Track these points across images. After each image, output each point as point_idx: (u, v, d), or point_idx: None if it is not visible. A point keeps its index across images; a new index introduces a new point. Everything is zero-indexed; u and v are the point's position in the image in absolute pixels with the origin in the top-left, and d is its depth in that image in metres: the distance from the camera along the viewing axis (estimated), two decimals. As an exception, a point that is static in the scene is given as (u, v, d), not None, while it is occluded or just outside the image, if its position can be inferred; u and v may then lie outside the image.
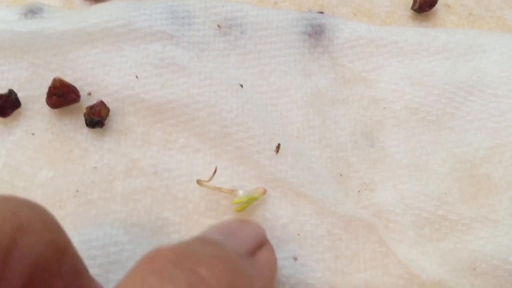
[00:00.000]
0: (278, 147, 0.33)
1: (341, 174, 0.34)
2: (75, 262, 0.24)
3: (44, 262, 0.21)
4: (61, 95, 0.33)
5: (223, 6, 0.37)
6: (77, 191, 0.32)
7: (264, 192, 0.32)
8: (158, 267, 0.20)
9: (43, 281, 0.21)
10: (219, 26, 0.36)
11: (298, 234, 0.32)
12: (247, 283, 0.22)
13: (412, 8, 0.40)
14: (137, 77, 0.34)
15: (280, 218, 0.32)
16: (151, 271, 0.20)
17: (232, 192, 0.32)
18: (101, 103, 0.33)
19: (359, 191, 0.33)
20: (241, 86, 0.35)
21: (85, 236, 0.30)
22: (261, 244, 0.27)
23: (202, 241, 0.24)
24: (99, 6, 0.36)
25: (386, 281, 0.31)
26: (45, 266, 0.21)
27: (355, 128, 0.35)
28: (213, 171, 0.32)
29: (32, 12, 0.36)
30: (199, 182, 0.32)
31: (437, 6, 0.41)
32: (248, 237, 0.26)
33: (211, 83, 0.34)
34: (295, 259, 0.31)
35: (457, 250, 0.32)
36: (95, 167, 0.33)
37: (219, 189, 0.32)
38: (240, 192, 0.32)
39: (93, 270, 0.28)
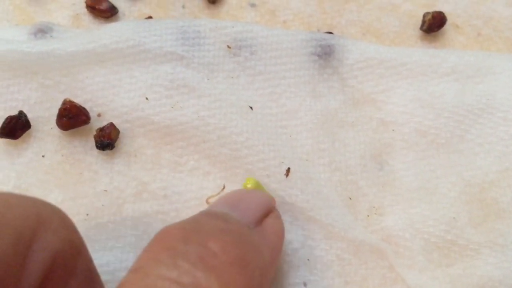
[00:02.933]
0: (288, 171, 0.33)
1: (350, 198, 0.34)
2: (89, 263, 0.25)
3: (61, 257, 0.22)
4: (72, 117, 0.33)
5: (233, 26, 0.37)
6: (87, 214, 0.32)
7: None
8: (169, 245, 0.21)
9: (60, 277, 0.22)
10: (229, 46, 0.36)
11: (308, 259, 0.32)
12: (255, 253, 0.23)
13: (421, 28, 0.40)
14: (147, 98, 0.34)
15: (290, 243, 0.32)
16: (163, 249, 0.21)
17: None
18: (111, 125, 0.33)
19: (368, 215, 0.33)
20: (251, 108, 0.35)
21: (95, 261, 0.29)
22: (268, 212, 0.27)
23: (209, 215, 0.25)
24: (108, 26, 0.36)
25: (396, 306, 0.31)
26: (62, 262, 0.22)
27: (365, 151, 0.35)
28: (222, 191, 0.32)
29: (42, 31, 0.36)
30: (208, 200, 0.32)
31: (446, 26, 0.41)
32: (254, 207, 0.27)
33: (221, 105, 0.34)
34: (305, 284, 0.31)
35: (466, 275, 0.32)
36: (105, 190, 0.33)
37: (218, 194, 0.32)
38: None
39: (104, 297, 0.28)
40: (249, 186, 0.31)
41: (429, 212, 0.33)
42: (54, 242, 0.22)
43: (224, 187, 0.33)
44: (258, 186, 0.32)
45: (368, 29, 0.41)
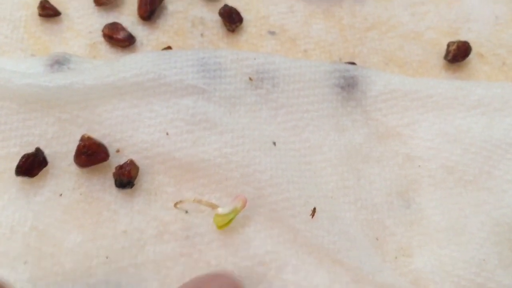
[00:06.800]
0: (314, 211, 0.32)
1: (377, 238, 0.33)
2: None
3: None
4: (90, 154, 0.32)
5: (254, 58, 0.36)
6: (107, 257, 0.31)
7: (245, 202, 0.31)
8: None
9: None
10: (250, 79, 0.36)
11: (335, 304, 0.31)
12: None
13: (445, 58, 0.39)
14: (167, 133, 0.33)
15: (316, 287, 0.31)
16: None
17: (212, 205, 0.31)
18: (131, 163, 0.32)
19: (396, 257, 0.32)
20: (274, 143, 0.34)
21: (116, 308, 0.29)
22: None
23: None
24: (128, 58, 0.35)
25: None
26: None
27: (391, 188, 0.34)
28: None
29: (58, 63, 0.35)
30: (176, 204, 0.32)
31: (470, 55, 0.40)
32: None
33: (244, 141, 0.33)
34: (333, 331, 0.30)
35: (497, 320, 0.31)
36: (125, 231, 0.32)
37: (200, 201, 0.31)
38: (220, 209, 0.31)
39: None
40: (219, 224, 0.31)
41: (458, 253, 0.32)
42: None
43: (200, 200, 0.32)
44: (227, 223, 0.31)
45: (391, 58, 0.40)
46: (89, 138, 0.32)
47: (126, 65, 0.34)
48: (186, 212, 0.32)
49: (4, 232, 0.31)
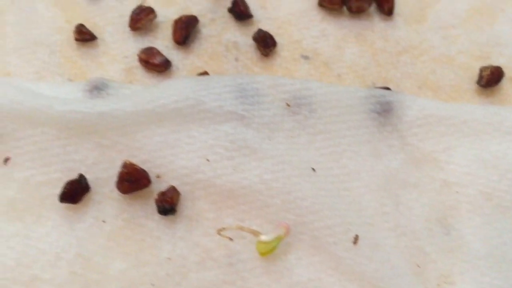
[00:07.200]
0: (357, 238, 0.32)
1: (418, 265, 0.33)
2: None
3: None
4: (133, 181, 0.32)
5: (292, 84, 0.36)
6: (152, 284, 0.31)
7: (288, 229, 0.31)
8: None
9: None
10: (288, 104, 0.36)
11: (379, 333, 0.31)
12: None
13: (478, 83, 0.40)
14: (207, 160, 0.33)
15: (359, 315, 0.31)
16: None
17: (254, 232, 0.31)
18: (173, 189, 0.32)
19: (438, 284, 0.32)
20: (313, 170, 0.34)
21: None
22: None
23: None
24: (166, 84, 0.35)
25: None
26: None
27: (429, 214, 0.34)
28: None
29: (97, 88, 0.36)
30: (219, 231, 0.32)
31: (502, 80, 0.40)
32: None
33: (284, 168, 0.33)
34: None
35: None
36: (169, 258, 0.32)
37: (242, 228, 0.31)
38: (263, 237, 0.31)
39: None
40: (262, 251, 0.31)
41: (499, 281, 0.32)
42: None
43: (242, 227, 0.32)
44: (270, 251, 0.31)
45: (424, 82, 0.40)
46: (131, 165, 0.32)
47: (165, 91, 0.35)
48: (231, 239, 0.32)
49: (49, 259, 0.31)
